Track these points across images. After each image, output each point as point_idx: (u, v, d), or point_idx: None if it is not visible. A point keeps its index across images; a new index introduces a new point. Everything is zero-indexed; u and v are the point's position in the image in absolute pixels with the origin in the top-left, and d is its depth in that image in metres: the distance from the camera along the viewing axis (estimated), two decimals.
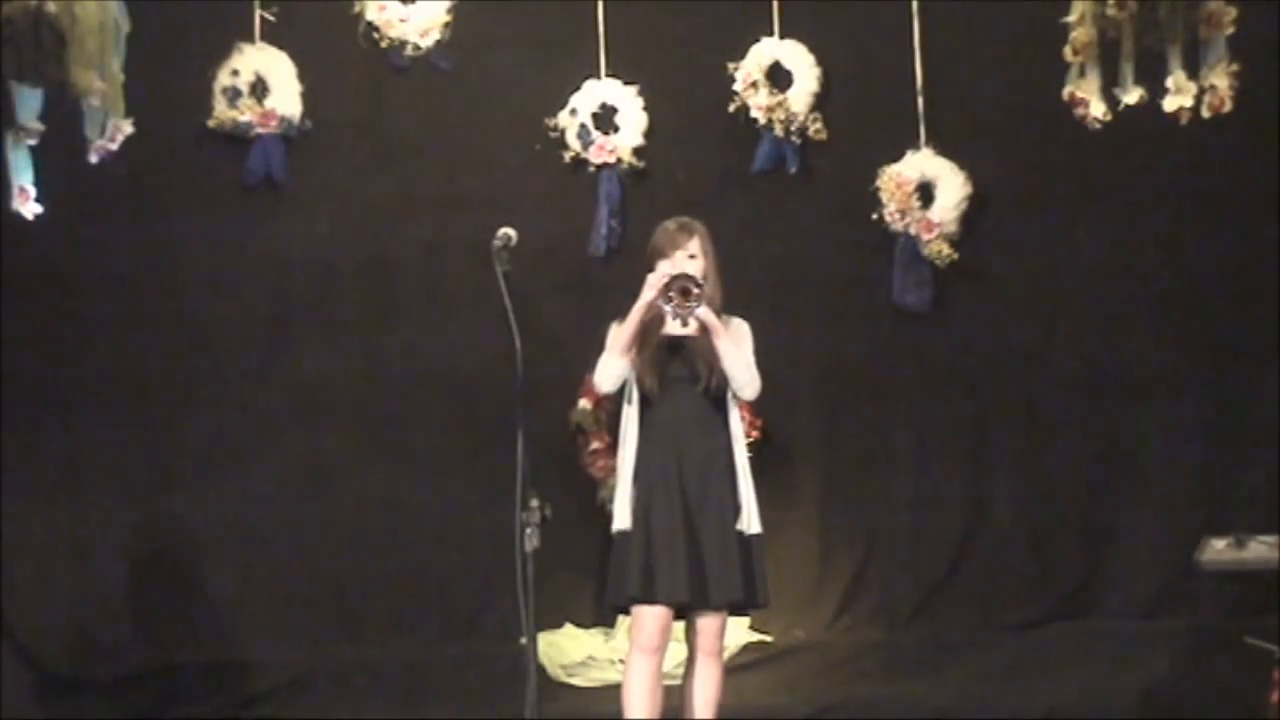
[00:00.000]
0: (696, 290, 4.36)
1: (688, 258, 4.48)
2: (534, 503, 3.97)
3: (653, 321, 4.47)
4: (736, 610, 4.56)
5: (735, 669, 5.85)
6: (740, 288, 6.22)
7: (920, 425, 6.40)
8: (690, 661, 4.55)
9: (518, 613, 3.96)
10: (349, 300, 6.47)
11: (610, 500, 4.84)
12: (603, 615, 5.92)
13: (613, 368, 4.46)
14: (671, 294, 4.37)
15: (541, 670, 5.33)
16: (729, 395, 4.53)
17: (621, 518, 4.47)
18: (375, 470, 6.36)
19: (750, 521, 4.47)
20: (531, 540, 3.96)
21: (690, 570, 4.36)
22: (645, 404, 4.51)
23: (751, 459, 5.95)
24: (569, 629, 6.13)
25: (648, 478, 4.46)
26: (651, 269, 4.50)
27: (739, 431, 4.56)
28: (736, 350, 4.46)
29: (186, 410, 6.37)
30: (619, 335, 4.47)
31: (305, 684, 5.97)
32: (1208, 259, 6.31)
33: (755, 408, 6.02)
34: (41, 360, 6.29)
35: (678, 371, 4.49)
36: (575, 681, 5.88)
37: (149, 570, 6.30)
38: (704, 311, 4.39)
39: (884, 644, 6.13)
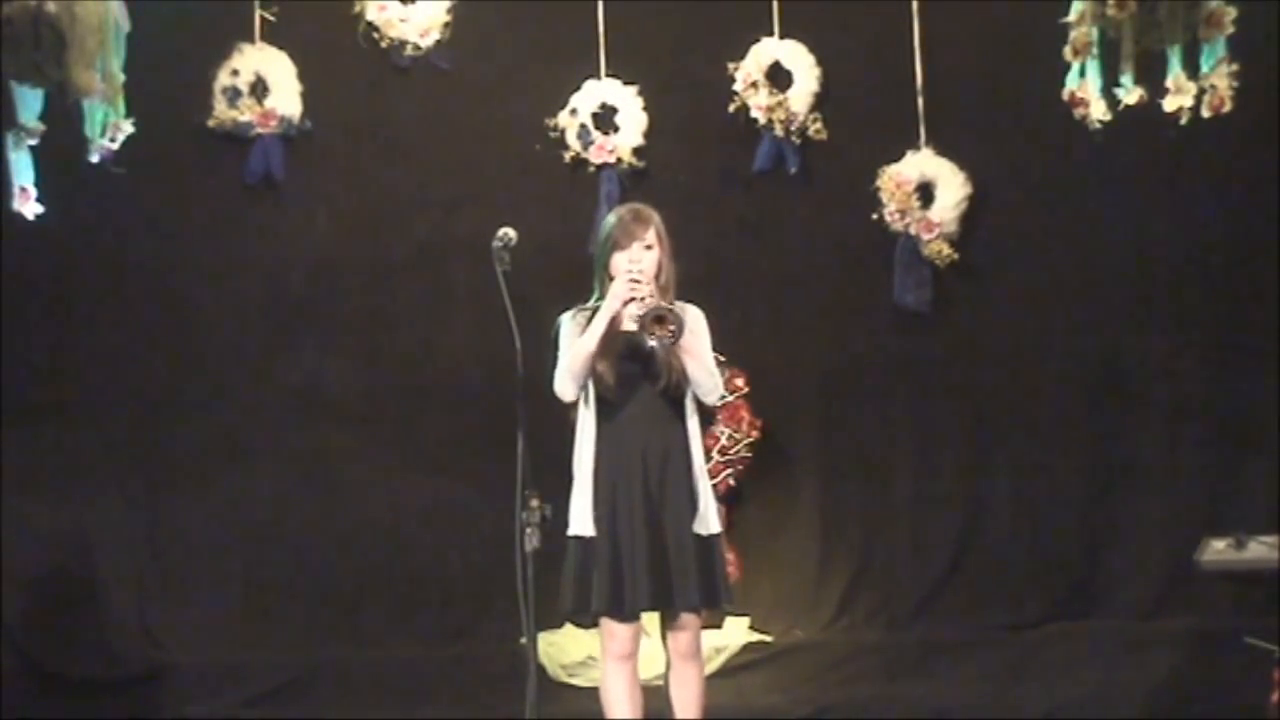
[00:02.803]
0: (672, 323, 4.22)
1: (644, 248, 4.37)
2: (534, 503, 3.97)
3: (611, 323, 4.35)
4: (702, 612, 4.50)
5: (735, 669, 5.86)
6: (740, 287, 6.29)
7: (920, 425, 6.40)
8: (669, 666, 4.47)
9: (518, 613, 3.96)
10: (349, 300, 6.48)
11: None
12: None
13: (578, 374, 4.34)
14: (648, 326, 4.23)
15: (541, 670, 5.32)
16: (688, 395, 4.42)
17: (581, 522, 4.34)
18: (375, 470, 6.37)
19: (708, 523, 4.38)
20: (531, 540, 3.95)
21: (652, 576, 4.28)
22: (603, 403, 4.40)
23: (751, 459, 6.03)
24: (569, 629, 6.07)
25: (609, 480, 4.36)
26: (606, 259, 4.39)
27: (697, 431, 4.45)
28: (699, 356, 4.35)
29: (186, 410, 6.38)
30: (579, 351, 4.32)
31: (305, 684, 5.97)
32: (1207, 259, 6.30)
33: (755, 407, 6.03)
34: (42, 359, 6.30)
35: (637, 371, 4.38)
36: (575, 681, 5.88)
37: (150, 570, 6.31)
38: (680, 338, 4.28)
39: (884, 644, 6.13)
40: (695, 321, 4.42)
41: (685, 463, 4.40)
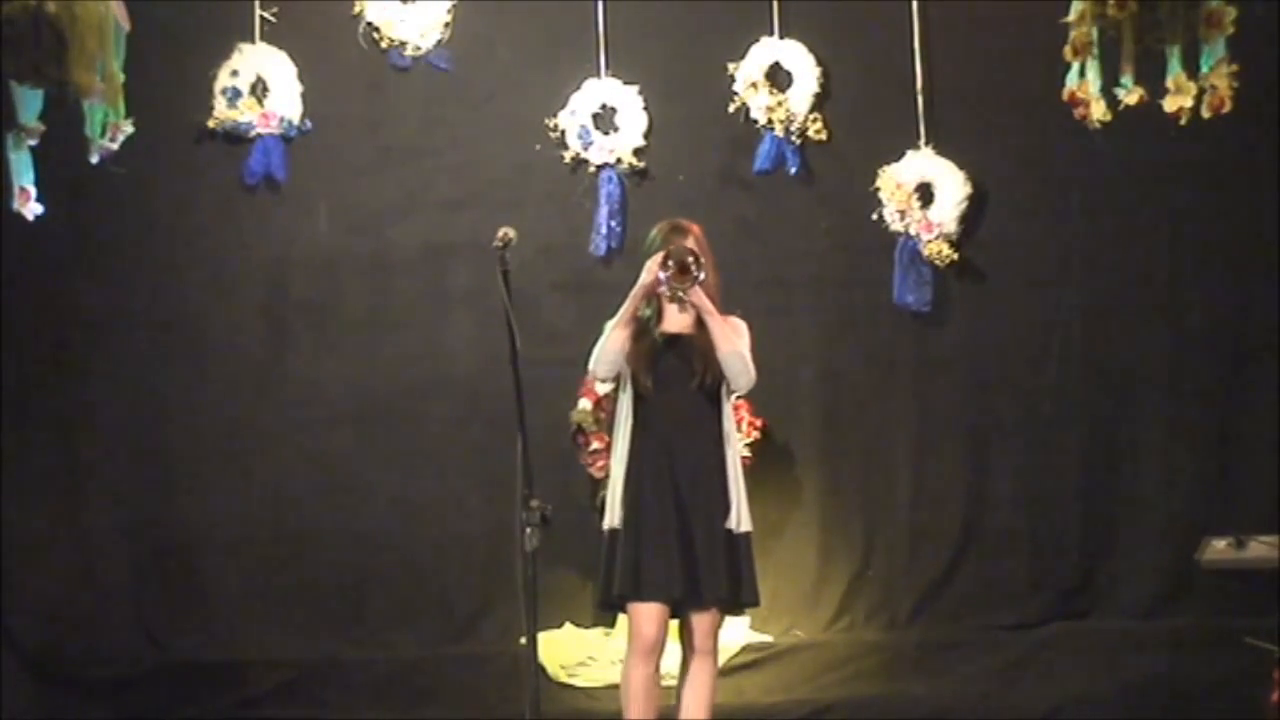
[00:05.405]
0: (695, 265, 4.36)
1: None
2: (534, 503, 3.97)
3: (649, 319, 4.50)
4: (726, 609, 4.55)
5: (735, 669, 5.85)
6: (741, 288, 6.25)
7: (920, 425, 6.40)
8: (685, 661, 4.55)
9: (518, 613, 3.96)
10: (349, 300, 6.48)
11: None
12: (603, 615, 5.92)
13: (609, 352, 4.44)
14: (670, 264, 4.37)
15: (541, 670, 5.32)
16: (723, 392, 4.52)
17: (613, 515, 4.48)
18: (375, 470, 6.37)
19: (739, 520, 4.46)
20: (531, 540, 3.95)
21: (682, 567, 4.37)
22: (639, 400, 4.51)
23: (752, 458, 6.02)
24: (569, 629, 6.13)
25: (640, 475, 4.46)
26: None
27: (732, 429, 4.55)
28: (731, 341, 4.46)
29: (187, 410, 6.37)
30: (613, 328, 4.45)
31: (305, 684, 5.97)
32: (1207, 259, 6.30)
33: (755, 407, 6.03)
34: (42, 360, 6.30)
35: (672, 367, 4.49)
36: (575, 681, 5.88)
37: (149, 570, 6.31)
38: (697, 295, 4.40)
39: (883, 644, 6.12)
40: (736, 327, 4.55)
41: (719, 460, 4.49)
